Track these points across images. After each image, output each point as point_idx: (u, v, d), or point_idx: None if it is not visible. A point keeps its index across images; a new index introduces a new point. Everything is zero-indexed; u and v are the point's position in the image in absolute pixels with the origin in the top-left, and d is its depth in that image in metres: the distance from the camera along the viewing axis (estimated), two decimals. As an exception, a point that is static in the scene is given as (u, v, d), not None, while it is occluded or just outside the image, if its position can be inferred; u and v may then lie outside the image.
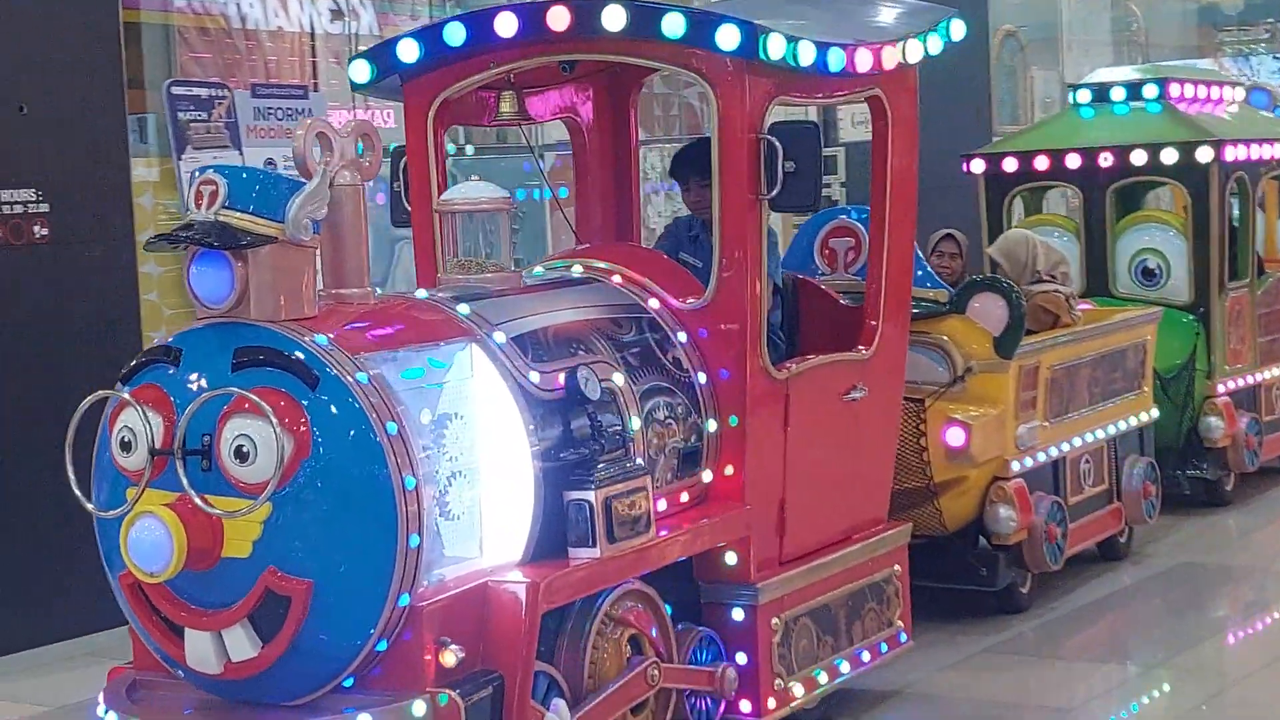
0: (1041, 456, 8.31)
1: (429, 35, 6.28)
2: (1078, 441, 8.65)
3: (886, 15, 7.00)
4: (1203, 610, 8.53)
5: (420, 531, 4.78)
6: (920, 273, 8.01)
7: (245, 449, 4.67)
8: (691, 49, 5.96)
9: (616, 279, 6.15)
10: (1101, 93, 10.42)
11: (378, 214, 11.26)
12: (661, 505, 5.80)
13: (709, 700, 5.93)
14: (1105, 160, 9.99)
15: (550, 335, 5.56)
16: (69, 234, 8.42)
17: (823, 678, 6.39)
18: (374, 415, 4.73)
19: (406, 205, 6.54)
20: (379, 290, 5.49)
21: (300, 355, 4.75)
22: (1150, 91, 10.36)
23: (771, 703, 6.09)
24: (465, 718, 4.78)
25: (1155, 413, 9.37)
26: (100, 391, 4.85)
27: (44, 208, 8.34)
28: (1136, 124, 10.31)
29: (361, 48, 10.53)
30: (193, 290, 4.89)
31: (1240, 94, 11.23)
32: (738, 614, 6.05)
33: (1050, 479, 8.50)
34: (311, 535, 4.70)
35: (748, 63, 5.92)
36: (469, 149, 11.96)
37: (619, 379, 5.63)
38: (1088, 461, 8.81)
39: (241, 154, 9.62)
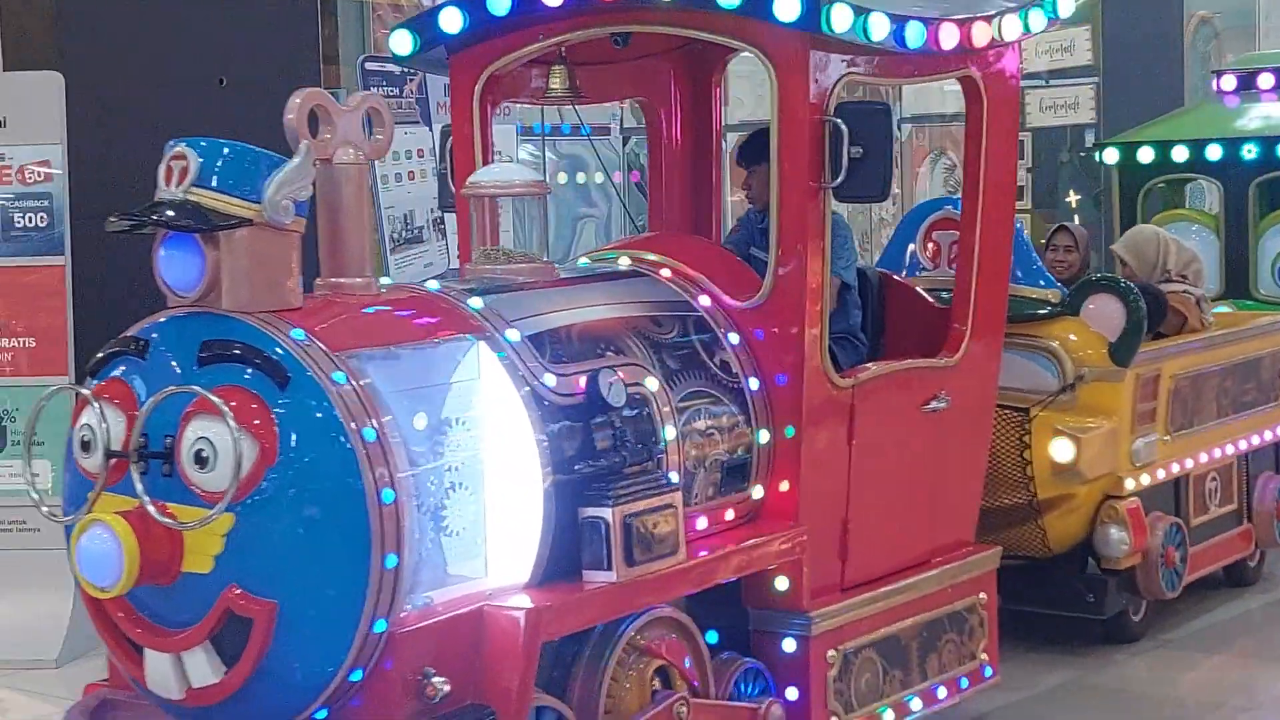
0: (1161, 474, 7.61)
1: (472, 3, 5.77)
2: (1204, 458, 7.94)
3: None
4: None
5: (400, 550, 4.29)
6: (1028, 271, 7.38)
7: (205, 454, 4.21)
8: (748, 20, 5.39)
9: (665, 273, 5.61)
10: (1248, 80, 9.62)
11: (561, 191, 11.62)
12: (701, 524, 5.26)
13: (752, 741, 5.38)
14: (1249, 152, 9.20)
15: (575, 334, 5.04)
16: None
17: (889, 716, 5.80)
18: (349, 420, 4.25)
19: (453, 189, 6.04)
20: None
21: (271, 351, 4.28)
22: (1302, 77, 9.56)
23: (824, 745, 5.52)
24: (447, 758, 4.29)
25: (1294, 427, 8.60)
26: (59, 386, 4.42)
27: None
28: (1286, 113, 9.52)
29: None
30: (161, 277, 4.44)
31: None
32: (789, 645, 5.48)
33: (1170, 498, 7.80)
34: (277, 552, 4.23)
35: (811, 36, 5.34)
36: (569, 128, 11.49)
37: (652, 384, 5.09)
38: (1215, 479, 8.09)
39: (431, 130, 9.69)
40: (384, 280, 5.04)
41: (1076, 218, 13.06)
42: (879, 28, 5.42)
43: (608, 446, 4.86)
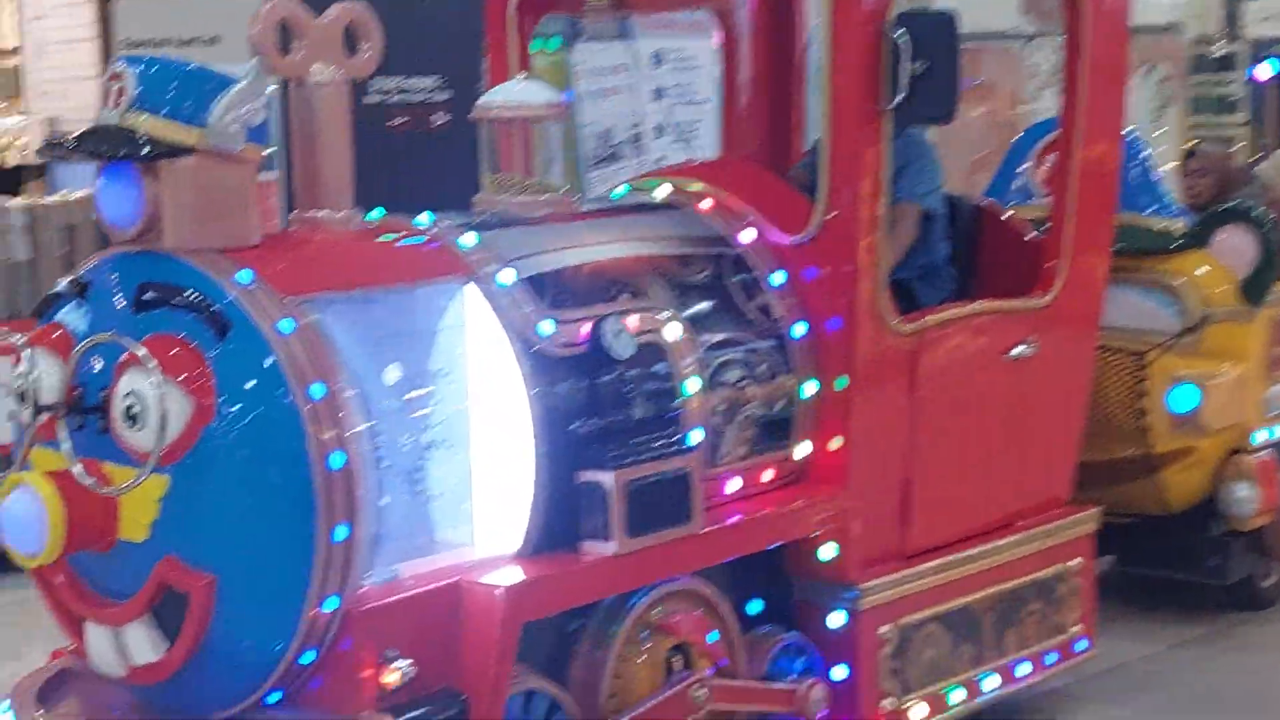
0: (1298, 427, 6.89)
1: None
2: (1353, 406, 7.18)
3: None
4: None
5: (354, 520, 3.83)
6: (1151, 198, 6.70)
7: (135, 410, 3.79)
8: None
9: (706, 205, 5.05)
10: None
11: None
12: (733, 485, 4.72)
13: (790, 725, 4.86)
14: None
15: (584, 276, 4.52)
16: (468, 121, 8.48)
17: (958, 696, 5.24)
18: (293, 374, 3.78)
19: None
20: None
21: (210, 296, 3.83)
22: None
23: (876, 728, 4.98)
24: (405, 751, 3.83)
25: None
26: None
27: (445, 95, 8.50)
28: None
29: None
30: (100, 211, 4.01)
31: None
32: (836, 619, 4.94)
33: (1309, 452, 7.07)
34: (214, 520, 3.80)
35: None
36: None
37: (672, 331, 4.55)
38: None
39: (632, 45, 9.53)
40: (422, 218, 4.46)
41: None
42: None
43: (613, 402, 4.34)
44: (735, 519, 4.64)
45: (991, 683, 5.36)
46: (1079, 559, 5.69)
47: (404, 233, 4.38)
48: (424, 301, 4.17)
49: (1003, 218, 6.11)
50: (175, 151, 3.86)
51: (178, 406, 3.73)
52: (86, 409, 3.88)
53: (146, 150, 3.82)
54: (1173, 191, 7.19)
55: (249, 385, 3.78)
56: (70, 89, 9.05)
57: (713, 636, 4.61)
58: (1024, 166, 6.87)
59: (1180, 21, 12.46)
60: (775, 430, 4.85)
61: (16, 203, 8.28)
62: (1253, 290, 6.53)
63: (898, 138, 4.97)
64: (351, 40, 4.28)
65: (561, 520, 4.27)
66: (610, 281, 4.55)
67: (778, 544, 4.81)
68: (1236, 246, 6.56)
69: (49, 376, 3.89)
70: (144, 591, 3.84)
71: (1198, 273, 6.56)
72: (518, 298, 4.27)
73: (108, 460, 3.87)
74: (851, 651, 4.93)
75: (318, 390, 3.79)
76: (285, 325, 3.82)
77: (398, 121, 8.52)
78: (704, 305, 4.72)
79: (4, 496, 3.84)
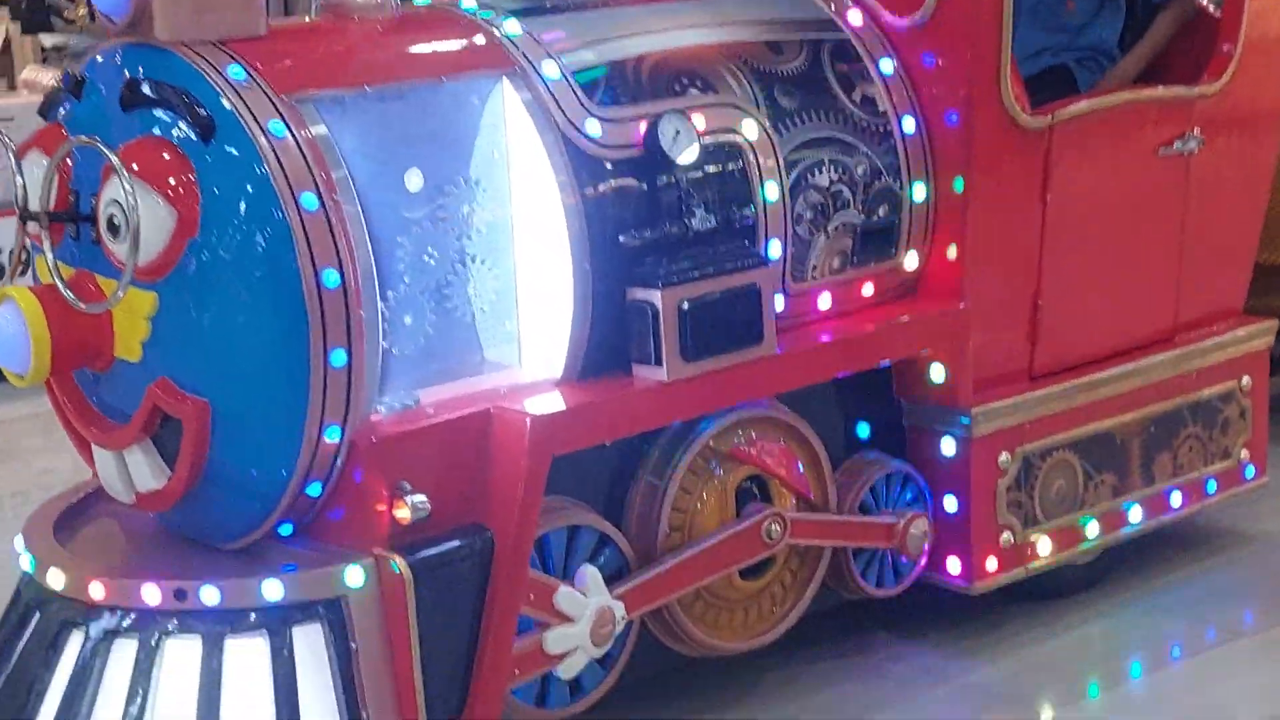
0: None
1: None
2: None
3: None
4: None
5: (352, 343, 3.47)
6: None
7: (117, 220, 3.47)
8: None
9: (815, -20, 4.50)
10: None
11: None
12: (824, 302, 4.26)
13: (894, 559, 4.44)
14: None
15: (648, 67, 4.03)
16: None
17: (1093, 528, 4.75)
18: (284, 183, 3.41)
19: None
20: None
21: (196, 94, 3.46)
22: None
23: (992, 563, 4.52)
24: (420, 590, 3.52)
25: None
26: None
27: None
28: None
29: None
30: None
31: None
32: (947, 446, 4.48)
33: None
34: (203, 342, 3.49)
35: None
36: None
37: (750, 129, 4.06)
38: None
39: None
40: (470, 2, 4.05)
41: None
42: None
43: (671, 211, 3.90)
44: (821, 338, 4.18)
45: (1137, 514, 4.85)
46: (1248, 377, 5.10)
47: (437, 19, 3.95)
48: (453, 98, 3.75)
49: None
50: (162, -72, 3.48)
51: (156, 217, 3.39)
52: (80, 217, 3.57)
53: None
54: None
55: (235, 195, 3.42)
56: None
57: (798, 468, 4.20)
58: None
59: None
60: (878, 239, 4.35)
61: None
62: None
63: None
64: None
65: (616, 341, 3.87)
66: (679, 73, 4.06)
67: (881, 364, 4.34)
68: None
69: (34, 182, 3.59)
70: (139, 415, 3.56)
71: None
72: (563, 93, 3.83)
73: (100, 273, 3.58)
74: (963, 482, 4.47)
75: (310, 201, 3.42)
76: (277, 128, 3.45)
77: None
78: (794, 99, 4.20)
79: (-8, 312, 3.57)
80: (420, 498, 3.56)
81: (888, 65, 4.38)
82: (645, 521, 3.99)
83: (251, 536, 3.65)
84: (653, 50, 4.07)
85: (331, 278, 3.42)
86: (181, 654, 3.46)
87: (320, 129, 3.51)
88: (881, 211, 4.33)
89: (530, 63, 3.83)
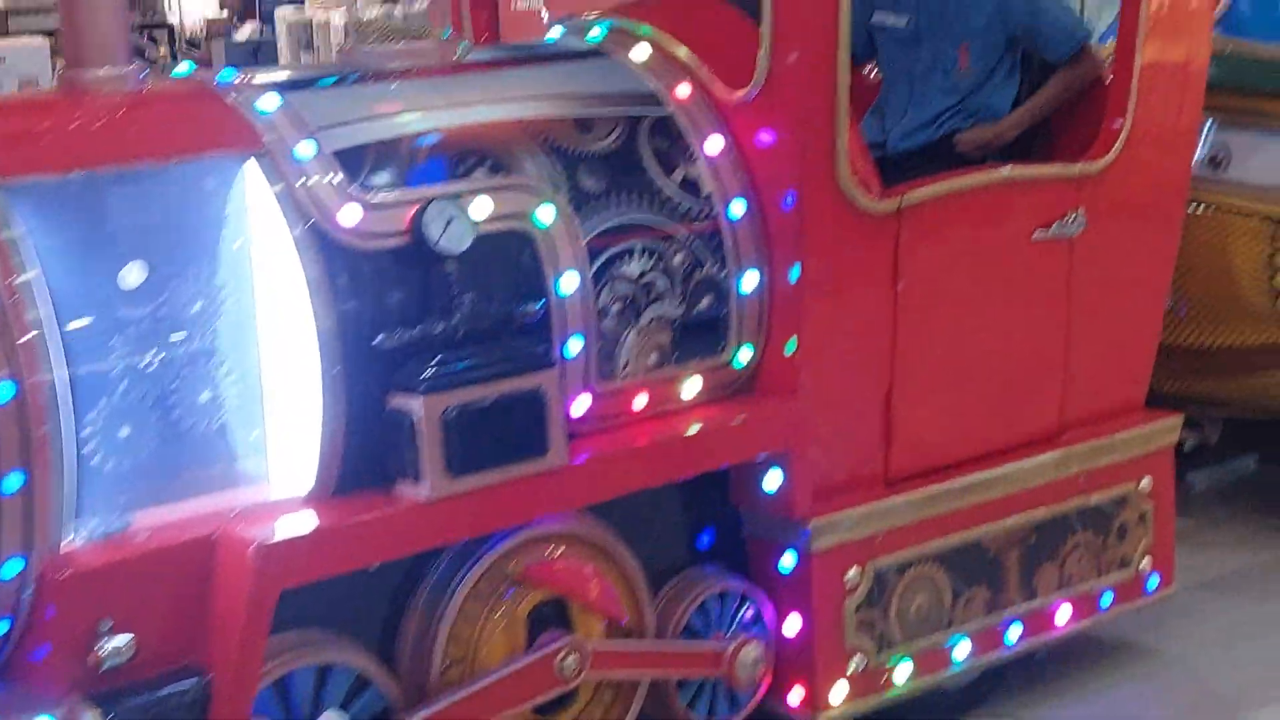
0: None
1: None
2: None
3: None
4: None
5: (33, 464, 3.07)
6: None
7: None
8: None
9: (641, 53, 4.10)
10: None
11: None
12: (640, 402, 3.84)
13: (726, 690, 4.00)
14: None
15: (427, 146, 3.63)
16: None
17: (963, 650, 4.30)
18: (-45, 282, 3.03)
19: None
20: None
21: None
22: None
23: (840, 691, 4.08)
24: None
25: None
26: None
27: None
28: None
29: None
30: None
31: None
32: (788, 560, 4.05)
33: None
34: None
35: None
36: None
37: (546, 214, 3.65)
38: None
39: None
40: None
41: None
42: None
43: (439, 308, 3.49)
44: (634, 443, 3.75)
45: (1016, 632, 4.40)
46: (1148, 478, 4.64)
47: (181, 94, 3.56)
48: (185, 183, 3.36)
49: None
50: None
51: None
52: None
53: None
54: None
55: (-97, 295, 3.03)
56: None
57: (603, 591, 3.77)
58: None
59: None
60: (703, 333, 3.93)
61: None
62: None
63: None
64: None
65: (377, 453, 3.46)
66: (465, 153, 3.66)
67: (719, 469, 3.93)
68: None
69: None
70: None
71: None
72: (319, 176, 3.43)
73: None
74: (805, 600, 4.04)
75: (-18, 300, 3.03)
76: (-41, 219, 3.06)
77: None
78: (601, 180, 3.79)
79: None
80: (122, 640, 3.15)
81: (716, 143, 3.96)
82: (418, 655, 3.57)
83: (-52, 677, 3.25)
84: (436, 127, 3.67)
85: (7, 389, 3.02)
86: None
87: (7, 221, 3.11)
88: (705, 303, 3.92)
89: (283, 142, 3.43)
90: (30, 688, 3.18)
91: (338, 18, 9.68)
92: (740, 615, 4.02)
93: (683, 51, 4.09)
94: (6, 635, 3.17)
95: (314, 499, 3.41)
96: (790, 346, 3.99)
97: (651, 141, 3.91)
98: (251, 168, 3.40)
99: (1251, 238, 5.28)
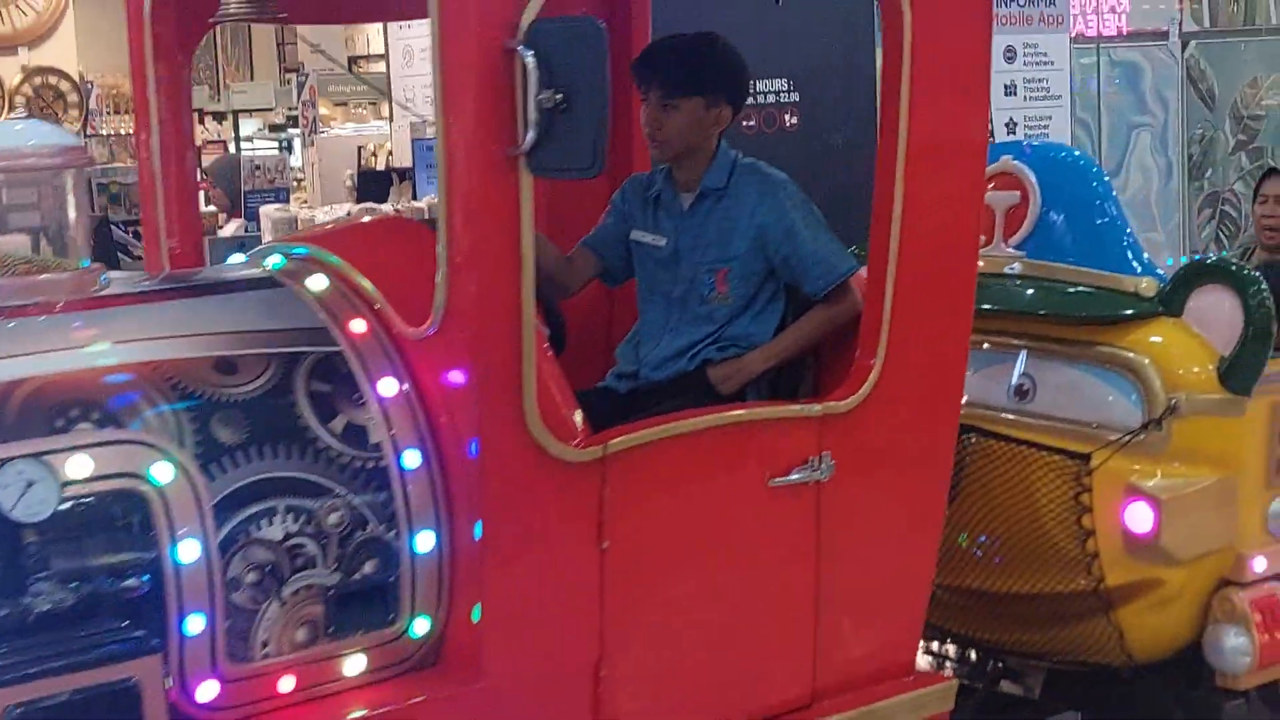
0: (1320, 548, 5.18)
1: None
2: None
3: None
4: None
5: None
6: (1112, 248, 5.12)
7: None
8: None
9: (317, 284, 3.68)
10: None
11: (1115, 98, 11.32)
12: (286, 684, 3.36)
13: None
14: None
15: (20, 396, 3.19)
16: (817, 123, 8.55)
17: None
18: None
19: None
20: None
21: None
22: None
23: None
24: None
25: None
26: None
27: (794, 97, 8.52)
28: None
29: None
30: None
31: None
32: None
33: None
34: None
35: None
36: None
37: (163, 472, 3.20)
38: None
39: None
40: None
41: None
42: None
43: (8, 587, 3.02)
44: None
45: None
46: (919, 751, 4.16)
47: None
48: None
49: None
50: None
51: None
52: None
53: None
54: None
55: None
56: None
57: None
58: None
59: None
60: (367, 603, 3.46)
61: (386, 208, 8.86)
62: (1235, 373, 4.85)
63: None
64: None
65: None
66: (67, 404, 3.21)
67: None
68: (1215, 314, 4.90)
69: None
70: None
71: (1167, 349, 4.92)
72: None
73: None
74: None
75: None
76: None
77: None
78: (239, 431, 3.35)
79: None
80: None
81: (390, 385, 3.53)
82: None
83: None
84: (37, 374, 3.23)
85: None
86: None
87: None
88: (370, 567, 3.45)
89: None
90: None
91: (321, 215, 9.75)
92: None
93: (366, 282, 3.67)
94: None
95: None
96: (475, 615, 3.52)
97: (310, 384, 3.47)
98: None
99: (1056, 476, 4.84)
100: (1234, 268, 4.92)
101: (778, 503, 3.90)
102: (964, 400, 5.12)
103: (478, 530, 3.49)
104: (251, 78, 18.51)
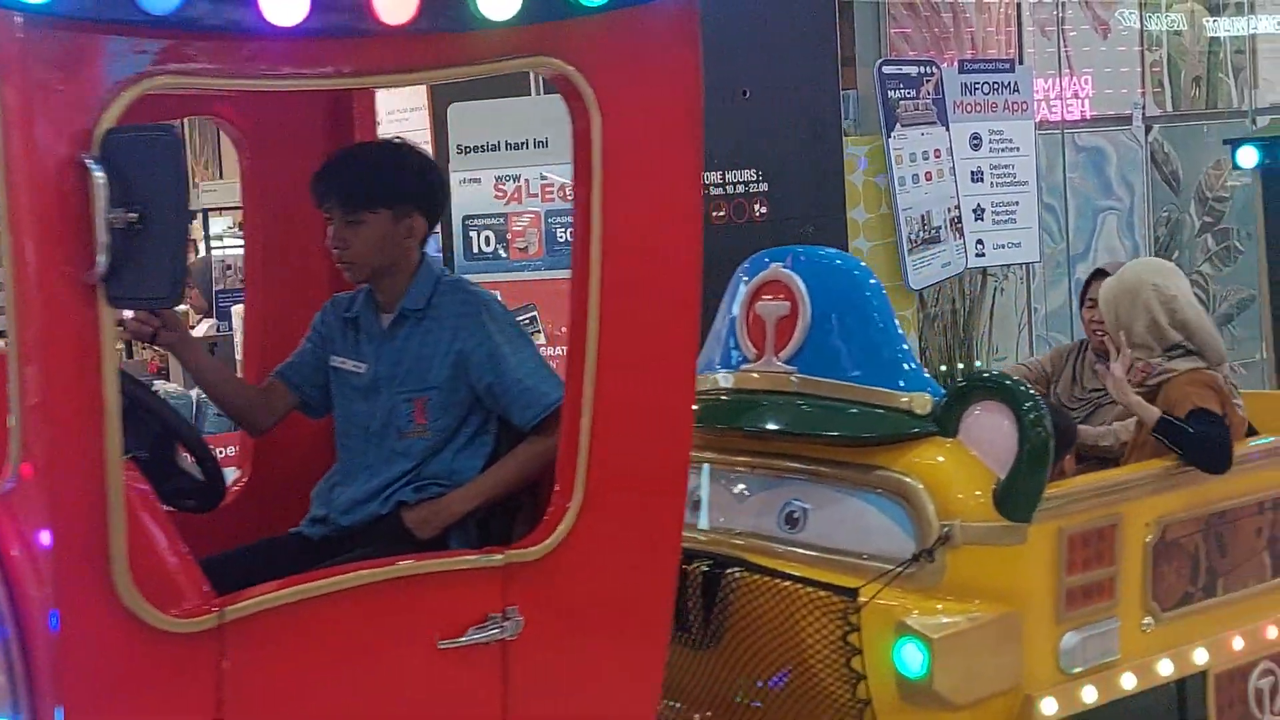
0: (1131, 681, 4.75)
1: None
2: (1238, 644, 5.02)
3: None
4: None
5: None
6: (885, 362, 4.70)
7: None
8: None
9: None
10: None
11: (1081, 183, 11.26)
12: None
13: None
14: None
15: None
16: (785, 212, 8.52)
17: None
18: None
19: None
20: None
21: None
22: None
23: None
24: None
25: None
26: None
27: (763, 187, 8.50)
28: None
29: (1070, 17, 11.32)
30: None
31: None
32: None
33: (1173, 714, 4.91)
34: None
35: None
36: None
37: None
38: (1270, 675, 5.13)
39: (948, 129, 9.76)
40: None
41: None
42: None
43: None
44: None
45: None
46: None
47: None
48: None
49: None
50: None
51: None
52: None
53: None
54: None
55: None
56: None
57: None
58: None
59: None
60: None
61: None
62: (1011, 499, 4.42)
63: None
64: None
65: None
66: None
67: None
68: (992, 434, 4.48)
69: None
70: None
71: (940, 472, 4.49)
72: None
73: None
74: None
75: None
76: None
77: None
78: None
79: None
80: None
81: (-37, 549, 3.06)
82: None
83: None
84: None
85: None
86: None
87: None
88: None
89: None
90: None
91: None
92: None
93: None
94: None
95: None
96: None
97: None
98: None
99: (823, 614, 4.40)
100: (1009, 383, 4.50)
101: (453, 667, 3.43)
102: (736, 530, 4.73)
103: (58, 717, 3.01)
104: (221, 176, 18.07)
